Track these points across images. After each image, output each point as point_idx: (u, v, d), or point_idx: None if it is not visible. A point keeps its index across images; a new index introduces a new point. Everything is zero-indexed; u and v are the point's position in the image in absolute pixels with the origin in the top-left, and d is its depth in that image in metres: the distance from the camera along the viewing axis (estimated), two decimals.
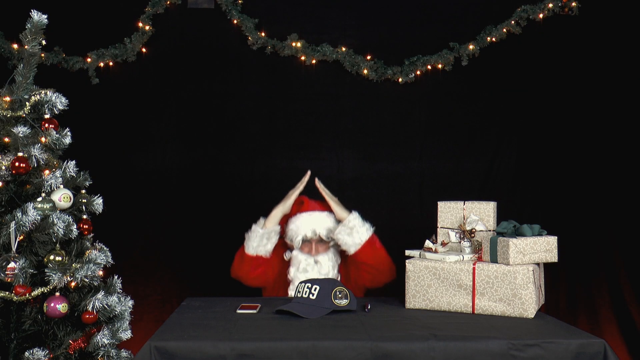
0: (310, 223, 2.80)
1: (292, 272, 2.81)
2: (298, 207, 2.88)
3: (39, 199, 2.23)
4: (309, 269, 2.77)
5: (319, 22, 3.99)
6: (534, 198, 3.97)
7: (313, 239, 2.80)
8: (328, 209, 2.86)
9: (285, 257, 2.88)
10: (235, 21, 3.91)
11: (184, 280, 3.87)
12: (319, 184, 2.87)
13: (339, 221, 2.81)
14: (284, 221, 2.90)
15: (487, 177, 3.99)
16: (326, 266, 2.79)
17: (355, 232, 2.74)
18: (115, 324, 2.38)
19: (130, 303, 2.49)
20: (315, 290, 2.19)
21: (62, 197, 2.28)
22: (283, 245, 2.91)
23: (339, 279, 2.83)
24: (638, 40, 3.88)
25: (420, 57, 3.93)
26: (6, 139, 2.31)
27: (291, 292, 2.79)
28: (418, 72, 3.93)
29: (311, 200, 2.92)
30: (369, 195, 3.91)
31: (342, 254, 2.89)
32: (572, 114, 3.96)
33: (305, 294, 2.20)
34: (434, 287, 2.24)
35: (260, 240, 2.78)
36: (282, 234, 2.88)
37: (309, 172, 2.89)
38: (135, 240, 3.85)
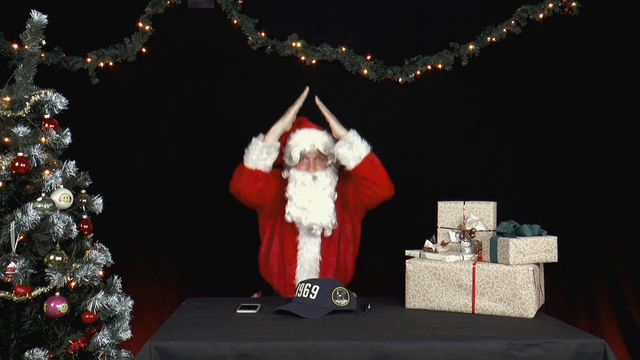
0: (308, 137, 2.83)
1: (291, 188, 2.80)
2: (297, 126, 2.90)
3: (39, 199, 2.23)
4: (307, 184, 2.78)
5: (319, 22, 3.99)
6: (534, 198, 3.97)
7: (311, 153, 2.82)
8: (326, 128, 2.89)
9: (283, 175, 2.88)
10: (235, 21, 3.91)
11: (184, 280, 3.87)
12: (318, 101, 2.89)
13: (337, 141, 2.84)
14: (284, 140, 2.91)
15: (487, 177, 3.99)
16: (324, 182, 2.80)
17: (355, 147, 2.76)
18: (115, 324, 2.38)
19: (130, 303, 2.49)
20: (315, 290, 2.19)
21: (62, 197, 2.28)
22: (279, 178, 2.91)
23: (335, 197, 2.84)
24: (638, 40, 3.88)
25: (420, 57, 3.93)
26: (6, 139, 2.31)
27: (290, 209, 2.78)
28: (418, 72, 3.93)
29: (310, 121, 2.95)
30: None
31: (340, 173, 2.92)
32: (572, 114, 3.96)
33: (305, 294, 2.20)
34: (434, 287, 2.24)
35: (259, 153, 2.78)
36: (282, 153, 2.89)
37: (307, 88, 2.90)
38: (135, 240, 3.85)
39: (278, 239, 2.89)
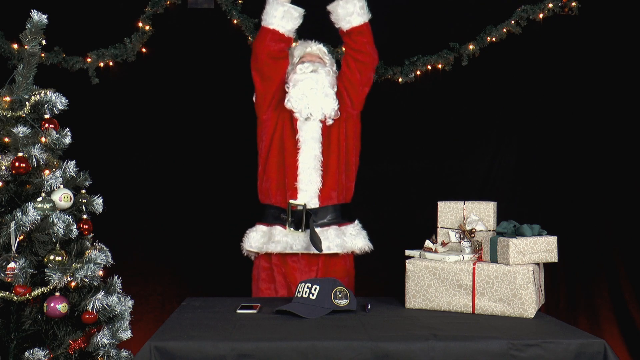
0: (303, 46, 2.95)
1: (292, 78, 2.83)
2: (293, 42, 2.98)
3: (39, 199, 2.23)
4: (308, 73, 2.81)
5: (319, 22, 3.98)
6: (534, 198, 3.96)
7: (311, 55, 2.90)
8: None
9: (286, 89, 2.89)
10: (235, 21, 3.91)
11: (184, 280, 3.87)
12: None
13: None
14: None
15: (487, 177, 3.99)
16: (323, 72, 2.83)
17: (358, 2, 2.83)
18: (115, 324, 2.38)
19: (130, 303, 2.49)
20: (315, 290, 2.19)
21: (62, 197, 2.28)
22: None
23: (335, 88, 2.87)
24: (638, 40, 3.88)
25: (420, 57, 3.93)
26: (6, 139, 2.31)
27: (290, 96, 2.79)
28: (418, 72, 3.93)
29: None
30: (369, 195, 3.90)
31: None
32: (572, 114, 3.96)
33: (305, 294, 2.20)
34: (434, 287, 2.24)
35: (274, 11, 2.83)
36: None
37: None
38: (135, 240, 3.85)
39: (277, 144, 2.85)
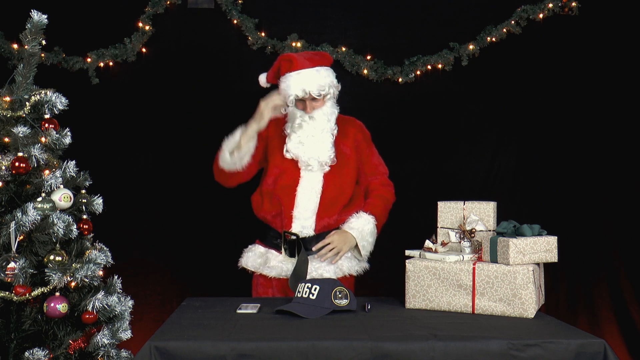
0: (299, 83, 2.66)
1: (289, 127, 2.74)
2: (288, 66, 2.72)
3: (39, 199, 2.23)
4: (304, 125, 2.71)
5: (319, 22, 3.99)
6: (534, 198, 3.96)
7: (305, 97, 2.69)
8: (318, 63, 2.74)
9: (281, 112, 2.77)
10: (235, 21, 3.91)
11: (184, 280, 3.87)
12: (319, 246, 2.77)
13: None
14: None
15: (487, 177, 3.99)
16: (321, 120, 2.71)
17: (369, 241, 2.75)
18: (115, 324, 2.38)
19: (130, 303, 2.49)
20: (315, 290, 2.19)
21: (62, 197, 2.29)
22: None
23: (335, 131, 2.76)
24: (638, 40, 3.88)
25: (420, 57, 3.93)
26: (6, 139, 2.31)
27: (288, 146, 2.72)
28: (418, 72, 3.93)
29: (299, 56, 2.75)
30: None
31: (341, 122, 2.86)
32: (572, 114, 3.96)
33: (305, 294, 2.20)
34: (434, 287, 2.24)
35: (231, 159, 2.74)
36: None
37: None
38: (135, 240, 3.85)
39: (275, 175, 2.78)
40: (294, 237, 2.65)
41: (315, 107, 2.72)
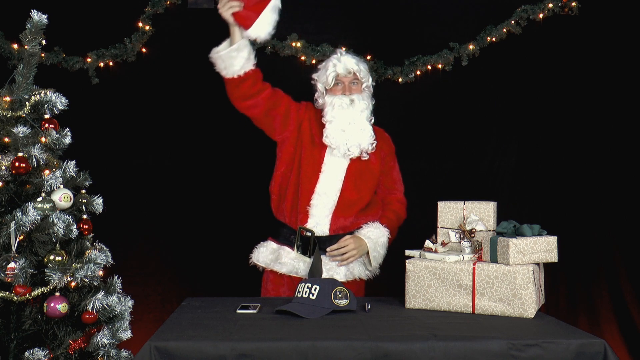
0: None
1: (329, 112, 2.71)
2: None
3: (39, 199, 2.23)
4: (345, 107, 2.70)
5: (319, 22, 3.98)
6: (534, 198, 3.97)
7: (346, 77, 2.72)
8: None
9: (317, 103, 2.79)
10: None
11: (184, 280, 3.87)
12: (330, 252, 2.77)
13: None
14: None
15: (487, 177, 3.99)
16: (361, 105, 2.71)
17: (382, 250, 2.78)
18: (115, 324, 2.38)
19: (130, 303, 2.49)
20: (315, 290, 2.19)
21: (62, 197, 2.29)
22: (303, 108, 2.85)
23: (372, 121, 2.77)
24: (638, 40, 3.88)
25: (420, 57, 3.93)
26: (6, 139, 2.31)
27: (328, 132, 2.69)
28: (418, 72, 3.93)
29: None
30: None
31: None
32: (572, 114, 3.96)
33: (305, 294, 2.20)
34: (434, 287, 2.24)
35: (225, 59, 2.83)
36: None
37: None
38: (135, 240, 3.85)
39: (297, 166, 2.76)
40: (309, 234, 2.65)
41: (354, 92, 2.74)
